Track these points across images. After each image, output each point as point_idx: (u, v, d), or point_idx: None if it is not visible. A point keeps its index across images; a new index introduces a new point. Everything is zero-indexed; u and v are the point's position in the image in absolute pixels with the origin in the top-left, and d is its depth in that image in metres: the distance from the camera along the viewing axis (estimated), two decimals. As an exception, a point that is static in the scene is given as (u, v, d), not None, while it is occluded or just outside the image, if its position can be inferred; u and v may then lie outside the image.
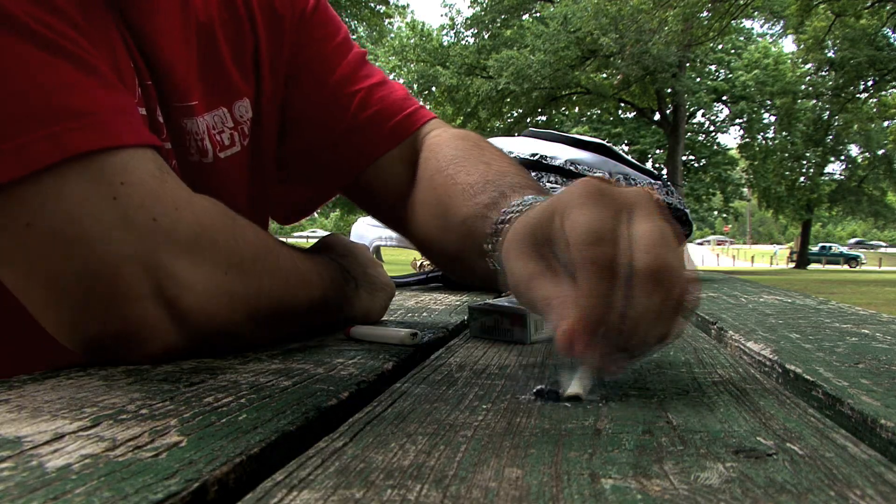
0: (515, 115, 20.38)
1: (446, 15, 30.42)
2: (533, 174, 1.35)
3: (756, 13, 18.69)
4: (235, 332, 0.51)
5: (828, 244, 40.77)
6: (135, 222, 0.45)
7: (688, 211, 1.46)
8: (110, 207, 0.44)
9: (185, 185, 0.50)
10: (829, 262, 36.02)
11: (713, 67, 22.40)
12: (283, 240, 0.62)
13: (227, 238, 0.50)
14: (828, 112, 22.53)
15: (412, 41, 21.55)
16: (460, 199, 0.60)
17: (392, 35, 21.46)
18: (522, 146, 1.41)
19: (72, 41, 0.46)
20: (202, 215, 0.49)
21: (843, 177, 26.53)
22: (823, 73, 21.63)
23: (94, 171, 0.44)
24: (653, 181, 1.43)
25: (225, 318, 0.49)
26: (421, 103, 0.79)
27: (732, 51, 22.61)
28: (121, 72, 0.53)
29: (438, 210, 0.65)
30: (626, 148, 21.44)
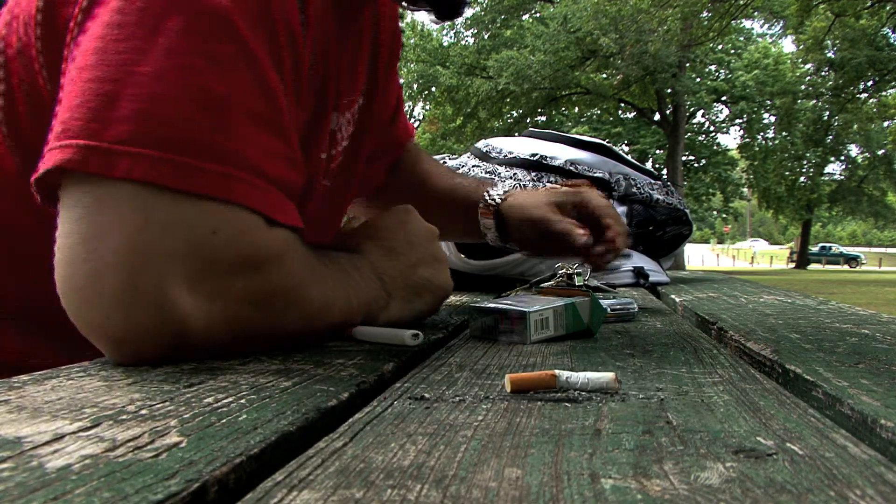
0: (515, 115, 20.36)
1: (446, 15, 30.31)
2: (533, 174, 1.36)
3: (756, 13, 18.69)
4: (240, 351, 0.51)
5: (828, 244, 40.85)
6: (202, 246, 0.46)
7: (688, 211, 1.46)
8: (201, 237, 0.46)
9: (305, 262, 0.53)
10: (829, 262, 36.09)
11: (713, 67, 22.39)
12: None
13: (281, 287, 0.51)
14: (828, 112, 22.53)
15: (412, 41, 21.54)
16: (445, 176, 0.96)
17: (392, 35, 21.41)
18: (522, 146, 1.41)
19: (280, 110, 0.51)
20: (280, 279, 0.50)
21: (843, 177, 26.53)
22: (823, 74, 21.63)
23: (227, 211, 0.47)
24: (653, 181, 1.43)
25: (231, 343, 0.49)
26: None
27: (732, 51, 22.60)
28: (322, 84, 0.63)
29: (421, 184, 0.96)
30: (626, 148, 21.44)
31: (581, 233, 0.77)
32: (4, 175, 0.61)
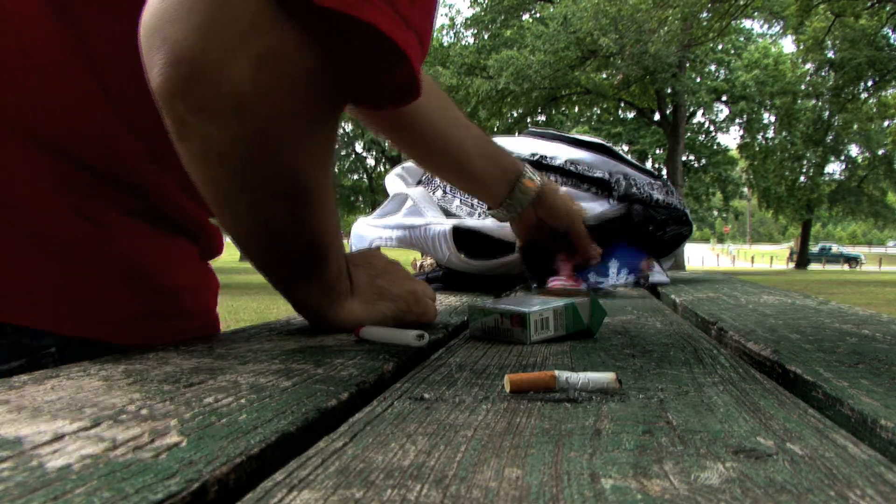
0: (515, 115, 20.37)
1: (446, 15, 30.43)
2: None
3: (756, 13, 18.69)
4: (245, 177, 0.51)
5: (828, 244, 40.99)
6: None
7: (688, 211, 1.46)
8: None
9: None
10: (828, 263, 36.17)
11: (713, 67, 22.40)
12: None
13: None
14: (828, 112, 22.54)
15: (412, 41, 21.48)
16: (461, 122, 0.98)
17: (392, 35, 21.43)
18: (522, 146, 1.41)
19: None
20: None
21: (843, 177, 26.55)
22: (823, 74, 21.64)
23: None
24: (653, 181, 1.43)
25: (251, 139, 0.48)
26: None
27: (732, 51, 22.61)
28: None
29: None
30: (626, 148, 21.48)
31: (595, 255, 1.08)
32: None
